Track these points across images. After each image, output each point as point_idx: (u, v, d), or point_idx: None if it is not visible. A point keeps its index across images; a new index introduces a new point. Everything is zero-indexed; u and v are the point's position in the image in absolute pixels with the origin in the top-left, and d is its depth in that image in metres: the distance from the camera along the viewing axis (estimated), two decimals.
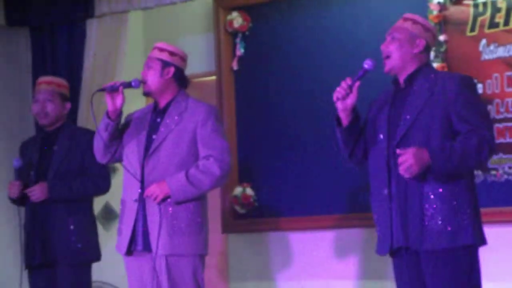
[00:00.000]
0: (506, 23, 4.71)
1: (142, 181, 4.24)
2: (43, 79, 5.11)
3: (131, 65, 5.94)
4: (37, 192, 4.85)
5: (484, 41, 4.76)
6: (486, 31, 4.76)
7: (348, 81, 3.71)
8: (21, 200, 4.97)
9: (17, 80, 6.20)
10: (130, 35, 5.89)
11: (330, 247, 5.31)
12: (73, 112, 5.83)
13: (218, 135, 4.27)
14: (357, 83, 3.72)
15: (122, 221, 4.34)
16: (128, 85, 4.27)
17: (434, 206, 3.58)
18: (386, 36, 3.81)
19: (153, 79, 4.31)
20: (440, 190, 3.59)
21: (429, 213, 3.58)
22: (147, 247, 4.23)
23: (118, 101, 4.25)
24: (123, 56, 5.82)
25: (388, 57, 3.75)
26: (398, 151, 3.55)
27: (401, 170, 3.54)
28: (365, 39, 5.11)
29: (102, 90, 4.30)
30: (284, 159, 5.42)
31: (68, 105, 5.02)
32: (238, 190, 5.54)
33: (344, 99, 3.70)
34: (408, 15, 3.81)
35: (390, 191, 3.68)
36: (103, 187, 4.97)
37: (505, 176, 4.71)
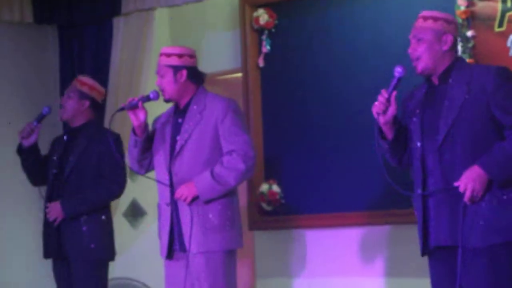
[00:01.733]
0: None
1: (171, 184, 4.28)
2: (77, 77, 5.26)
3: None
4: (52, 214, 4.92)
5: None
6: None
7: (384, 94, 3.65)
8: (25, 151, 5.03)
9: (44, 77, 6.24)
10: (156, 32, 5.91)
11: (357, 245, 5.29)
12: (100, 110, 5.86)
13: (239, 129, 4.29)
14: (394, 93, 3.66)
15: (160, 226, 4.39)
16: (146, 98, 4.32)
17: (484, 201, 3.52)
18: (410, 38, 3.74)
19: (169, 87, 4.33)
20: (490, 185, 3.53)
21: (479, 208, 3.52)
22: (183, 248, 4.27)
23: (141, 116, 4.30)
24: (150, 54, 5.83)
25: (418, 59, 3.68)
26: (455, 184, 3.51)
27: (467, 198, 3.50)
28: (393, 36, 5.08)
29: (122, 109, 4.35)
30: (311, 156, 5.41)
31: (87, 103, 5.07)
32: (264, 187, 5.54)
33: (384, 113, 3.65)
34: (425, 13, 3.73)
35: (427, 189, 3.62)
36: (117, 192, 5.01)
37: None
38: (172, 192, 4.28)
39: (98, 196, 4.92)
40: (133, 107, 4.29)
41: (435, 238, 3.62)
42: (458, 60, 3.72)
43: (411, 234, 5.02)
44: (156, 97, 4.33)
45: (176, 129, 4.35)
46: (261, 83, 5.64)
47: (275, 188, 5.52)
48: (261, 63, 5.63)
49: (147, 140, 4.38)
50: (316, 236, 5.45)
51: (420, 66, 3.68)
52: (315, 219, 5.39)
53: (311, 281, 5.48)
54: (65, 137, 5.12)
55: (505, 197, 3.52)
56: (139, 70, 5.84)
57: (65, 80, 6.10)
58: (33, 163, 5.10)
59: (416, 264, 4.89)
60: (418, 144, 3.66)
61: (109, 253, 5.00)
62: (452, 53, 3.71)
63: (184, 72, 4.33)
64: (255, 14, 5.61)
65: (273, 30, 5.59)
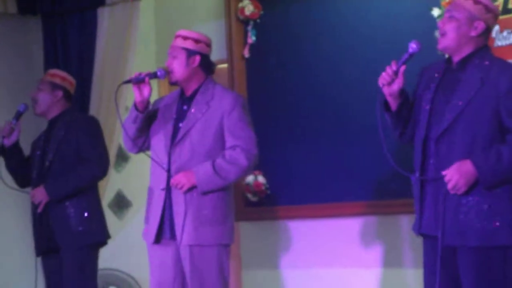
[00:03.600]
0: None
1: (169, 170, 4.22)
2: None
3: (143, 54, 5.94)
4: (36, 198, 4.90)
5: (497, 28, 4.71)
6: (500, 17, 4.71)
7: (393, 66, 3.57)
8: (8, 150, 5.03)
9: (28, 68, 6.21)
10: (141, 23, 5.88)
11: (343, 235, 5.29)
12: (85, 101, 5.85)
13: (245, 125, 4.24)
14: (403, 67, 3.57)
15: (149, 210, 4.32)
16: (153, 75, 4.24)
17: (473, 200, 3.46)
18: (444, 12, 3.63)
19: (179, 69, 4.26)
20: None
21: (467, 207, 3.47)
22: (173, 236, 4.22)
23: (146, 92, 4.22)
24: (135, 44, 5.81)
25: (443, 35, 3.58)
26: (443, 172, 3.45)
27: (449, 188, 3.45)
28: (378, 27, 5.09)
29: (128, 82, 4.27)
30: (296, 147, 5.41)
31: (60, 93, 5.03)
32: (250, 178, 5.53)
33: (389, 84, 3.58)
34: None
35: (425, 174, 3.55)
36: (100, 172, 4.94)
37: None
38: (169, 178, 4.22)
39: (80, 177, 4.88)
40: (140, 81, 4.21)
41: (427, 225, 3.57)
42: (481, 50, 3.59)
43: (397, 225, 5.04)
44: (163, 75, 4.26)
45: (180, 116, 4.28)
46: (247, 74, 5.63)
47: (261, 179, 5.52)
48: (246, 53, 5.62)
49: (146, 119, 4.31)
50: (302, 227, 5.46)
51: (443, 43, 3.59)
52: (300, 210, 5.39)
53: (297, 272, 5.48)
54: (43, 136, 5.10)
55: (496, 199, 3.45)
56: (124, 60, 5.81)
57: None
58: (17, 163, 5.10)
59: (402, 254, 4.91)
60: (423, 127, 3.58)
61: (100, 236, 4.97)
62: (479, 41, 3.58)
63: (198, 58, 4.28)
64: (240, 4, 5.60)
65: (258, 20, 5.58)
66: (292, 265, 5.51)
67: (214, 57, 5.79)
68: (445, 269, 3.54)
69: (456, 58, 3.61)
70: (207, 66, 4.33)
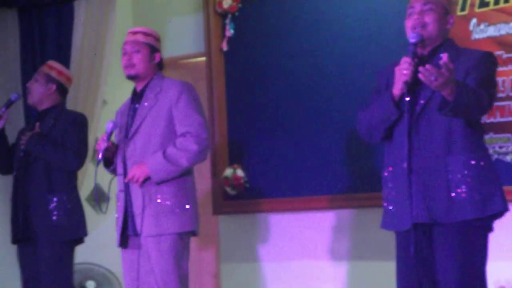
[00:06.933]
0: (496, 2, 4.70)
1: (124, 168, 4.30)
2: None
3: (120, 47, 5.90)
4: (25, 137, 4.92)
5: (474, 21, 4.74)
6: (477, 10, 4.74)
7: (407, 59, 3.49)
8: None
9: (5, 61, 6.16)
10: (118, 16, 5.85)
11: (321, 228, 5.31)
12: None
13: (193, 111, 4.29)
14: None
15: (117, 214, 4.38)
16: (109, 136, 4.28)
17: (460, 175, 3.48)
18: (415, 4, 3.62)
19: (142, 64, 4.34)
20: (464, 158, 3.49)
21: (455, 183, 3.48)
22: (135, 232, 4.27)
23: (104, 146, 4.29)
24: (112, 38, 5.79)
25: (423, 27, 3.57)
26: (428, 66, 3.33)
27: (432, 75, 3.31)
28: (358, 21, 5.09)
29: (100, 162, 4.37)
30: (275, 140, 5.41)
31: (53, 87, 5.04)
32: (228, 172, 5.53)
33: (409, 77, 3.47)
34: None
35: (410, 164, 3.53)
36: (72, 161, 4.91)
37: (496, 156, 4.72)
38: (125, 176, 4.29)
39: (55, 151, 4.86)
40: (105, 153, 4.33)
41: (416, 214, 3.52)
42: (448, 40, 3.64)
43: (375, 218, 5.05)
44: (114, 126, 4.34)
45: (132, 114, 4.37)
46: (225, 67, 5.63)
47: (239, 172, 5.51)
48: (224, 47, 5.61)
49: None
50: (280, 220, 5.47)
51: (425, 34, 3.56)
52: (279, 203, 5.40)
53: (275, 265, 5.49)
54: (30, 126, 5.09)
55: (480, 170, 3.50)
56: (101, 53, 5.79)
57: (26, 64, 6.03)
58: (1, 149, 5.06)
59: (380, 247, 4.93)
60: (407, 115, 3.54)
61: (78, 233, 4.95)
62: (447, 34, 3.65)
63: (158, 55, 4.39)
64: None
65: (236, 14, 5.57)
66: (270, 258, 5.52)
67: (192, 50, 5.82)
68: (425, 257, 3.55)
69: (427, 49, 3.60)
70: (161, 63, 4.44)
